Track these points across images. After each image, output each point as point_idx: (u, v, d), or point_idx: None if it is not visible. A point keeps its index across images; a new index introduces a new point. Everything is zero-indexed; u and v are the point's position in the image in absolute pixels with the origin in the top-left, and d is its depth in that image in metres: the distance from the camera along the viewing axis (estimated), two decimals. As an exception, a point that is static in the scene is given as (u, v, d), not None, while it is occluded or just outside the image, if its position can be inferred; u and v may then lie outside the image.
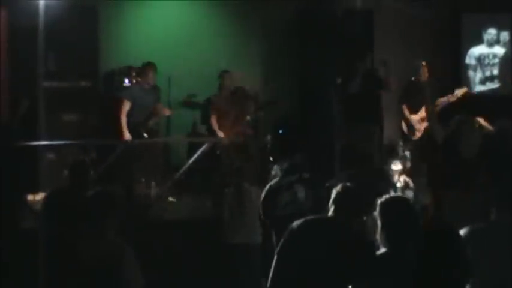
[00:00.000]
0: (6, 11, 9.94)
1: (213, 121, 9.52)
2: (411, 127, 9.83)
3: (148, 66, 9.06)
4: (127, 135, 8.89)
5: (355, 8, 11.01)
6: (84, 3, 10.25)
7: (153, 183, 9.35)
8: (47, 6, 9.96)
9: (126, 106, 8.92)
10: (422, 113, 9.84)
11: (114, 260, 4.27)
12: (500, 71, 11.59)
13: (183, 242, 7.46)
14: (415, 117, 9.83)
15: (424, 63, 9.92)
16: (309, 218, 4.69)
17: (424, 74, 9.86)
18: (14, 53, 9.97)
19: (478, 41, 11.58)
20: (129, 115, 8.96)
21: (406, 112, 9.82)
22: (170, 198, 9.11)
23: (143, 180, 9.61)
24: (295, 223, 4.64)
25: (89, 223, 4.46)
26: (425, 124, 9.84)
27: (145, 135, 9.07)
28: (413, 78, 9.92)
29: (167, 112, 9.42)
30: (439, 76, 10.26)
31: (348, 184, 4.78)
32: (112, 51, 10.51)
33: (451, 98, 9.80)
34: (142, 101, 8.99)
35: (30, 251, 5.33)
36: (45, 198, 6.37)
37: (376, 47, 11.00)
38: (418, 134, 9.84)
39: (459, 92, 9.86)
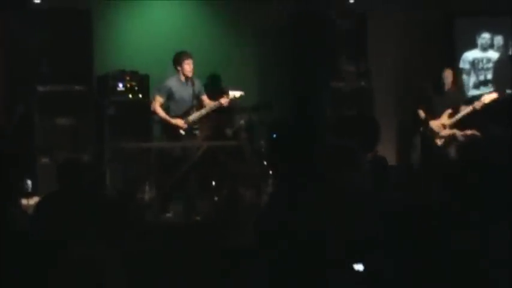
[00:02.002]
0: (1, 15, 9.94)
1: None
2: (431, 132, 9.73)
3: (182, 55, 8.88)
4: (180, 122, 8.82)
5: (349, 10, 11.05)
6: (78, 7, 10.25)
7: (147, 188, 9.37)
8: (41, 10, 10.01)
9: (158, 101, 8.87)
10: (444, 119, 9.77)
11: (99, 265, 4.27)
12: (494, 75, 11.61)
13: (177, 245, 7.45)
14: (434, 123, 9.74)
15: (449, 69, 9.90)
16: None
17: (448, 80, 9.80)
18: (8, 57, 9.97)
19: (472, 45, 11.60)
20: (167, 110, 8.89)
21: (423, 116, 9.77)
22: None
23: (137, 184, 9.64)
24: None
25: (78, 226, 4.47)
26: (448, 131, 9.73)
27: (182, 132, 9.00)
28: (432, 85, 9.90)
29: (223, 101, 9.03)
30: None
31: None
32: (106, 54, 10.51)
33: (478, 105, 9.71)
34: (179, 94, 8.86)
35: (23, 256, 5.31)
36: (38, 202, 6.37)
37: (369, 50, 11.02)
38: (438, 141, 9.72)
39: (487, 98, 9.76)
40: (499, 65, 11.57)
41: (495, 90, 11.48)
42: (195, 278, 6.90)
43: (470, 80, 11.62)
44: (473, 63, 11.63)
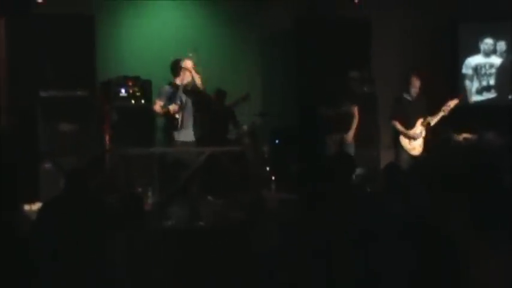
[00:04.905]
0: (4, 20, 9.95)
1: None
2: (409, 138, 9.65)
3: (179, 63, 8.75)
4: (174, 107, 8.62)
5: (353, 17, 11.06)
6: (81, 13, 10.27)
7: (150, 193, 9.34)
8: (44, 16, 10.03)
9: (158, 104, 8.71)
10: (418, 128, 9.65)
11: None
12: (497, 80, 11.60)
13: (178, 250, 7.42)
14: (412, 132, 9.67)
15: (415, 76, 9.59)
16: None
17: (416, 87, 9.64)
18: (11, 63, 9.97)
19: (475, 50, 11.60)
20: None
21: (400, 127, 9.60)
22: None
23: (140, 189, 9.61)
24: None
25: (82, 231, 4.46)
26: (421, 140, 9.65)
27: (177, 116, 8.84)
28: (404, 94, 9.73)
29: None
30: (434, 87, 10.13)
31: None
32: (109, 60, 10.52)
33: (446, 111, 9.63)
34: (175, 100, 8.71)
35: (27, 262, 5.30)
36: (42, 208, 6.35)
37: (373, 57, 11.04)
38: (415, 151, 9.64)
39: (451, 103, 9.66)
40: (501, 71, 11.56)
41: (498, 96, 11.54)
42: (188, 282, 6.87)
43: (473, 85, 11.62)
44: (476, 69, 11.63)
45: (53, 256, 4.88)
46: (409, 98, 9.61)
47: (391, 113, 9.72)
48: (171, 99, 8.77)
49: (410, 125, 9.57)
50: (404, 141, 9.58)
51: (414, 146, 9.57)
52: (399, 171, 6.35)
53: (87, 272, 4.34)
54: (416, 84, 9.57)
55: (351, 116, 9.69)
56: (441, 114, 9.52)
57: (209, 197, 9.54)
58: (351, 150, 9.51)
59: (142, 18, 10.96)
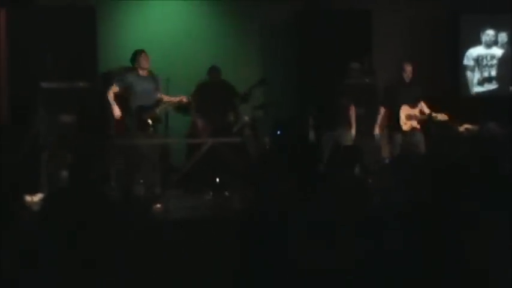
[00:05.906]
0: (5, 11, 9.95)
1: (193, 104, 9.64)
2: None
3: (138, 52, 8.88)
4: (117, 112, 8.72)
5: (354, 8, 11.05)
6: (82, 4, 10.27)
7: (151, 183, 9.34)
8: (45, 7, 10.03)
9: (114, 89, 8.77)
10: (408, 110, 9.61)
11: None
12: (498, 72, 11.61)
13: (180, 243, 7.43)
14: (413, 111, 9.66)
15: (407, 63, 9.65)
16: None
17: (408, 74, 9.68)
18: (13, 54, 9.98)
19: (476, 42, 11.60)
20: (129, 103, 8.78)
21: (383, 112, 9.65)
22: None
23: (141, 181, 9.62)
24: None
25: (86, 223, 4.46)
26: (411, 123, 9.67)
27: (150, 121, 8.90)
28: (396, 80, 9.76)
29: (184, 99, 9.14)
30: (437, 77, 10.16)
31: None
32: (110, 51, 10.52)
33: (434, 117, 9.54)
34: (139, 87, 8.77)
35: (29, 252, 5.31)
36: (45, 199, 6.37)
37: (374, 48, 11.03)
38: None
39: (441, 116, 9.52)
40: (503, 62, 11.58)
41: (499, 87, 11.56)
42: (194, 274, 6.88)
43: (474, 76, 11.63)
44: (478, 60, 11.64)
45: (55, 248, 4.88)
46: (402, 83, 9.65)
47: (381, 98, 9.80)
48: (138, 91, 8.78)
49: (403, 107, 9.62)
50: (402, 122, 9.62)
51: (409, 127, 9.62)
52: (407, 163, 6.36)
53: (89, 265, 4.34)
54: (408, 69, 9.60)
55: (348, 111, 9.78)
56: (430, 113, 9.57)
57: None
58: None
59: (144, 9, 10.94)
